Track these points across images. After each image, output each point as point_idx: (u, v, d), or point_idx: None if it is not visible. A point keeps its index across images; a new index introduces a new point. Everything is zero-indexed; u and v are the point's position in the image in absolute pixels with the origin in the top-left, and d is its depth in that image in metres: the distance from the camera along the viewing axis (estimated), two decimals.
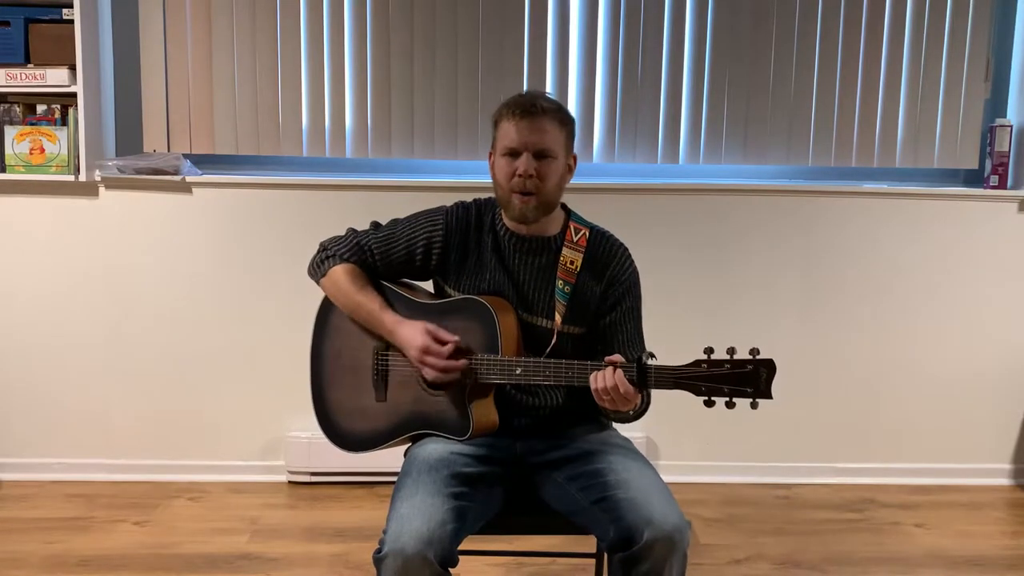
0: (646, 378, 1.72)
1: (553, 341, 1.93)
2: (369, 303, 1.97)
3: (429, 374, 1.88)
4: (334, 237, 2.06)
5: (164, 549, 2.76)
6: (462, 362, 1.87)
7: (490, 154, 1.98)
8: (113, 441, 3.28)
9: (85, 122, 3.05)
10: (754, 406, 1.69)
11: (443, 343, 1.86)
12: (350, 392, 2.03)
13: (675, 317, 3.18)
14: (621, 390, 1.71)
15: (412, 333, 1.88)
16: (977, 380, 3.37)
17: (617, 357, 1.76)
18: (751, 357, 1.68)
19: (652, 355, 1.74)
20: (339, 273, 2.00)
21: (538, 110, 1.88)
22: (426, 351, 1.86)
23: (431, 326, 1.88)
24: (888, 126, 3.30)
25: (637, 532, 1.67)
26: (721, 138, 3.28)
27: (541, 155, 1.88)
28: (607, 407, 1.77)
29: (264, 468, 3.30)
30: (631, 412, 1.85)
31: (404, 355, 1.94)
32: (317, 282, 2.05)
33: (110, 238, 3.19)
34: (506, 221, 1.98)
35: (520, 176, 1.87)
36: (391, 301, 2.00)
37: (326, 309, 2.07)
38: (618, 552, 1.71)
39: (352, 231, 2.06)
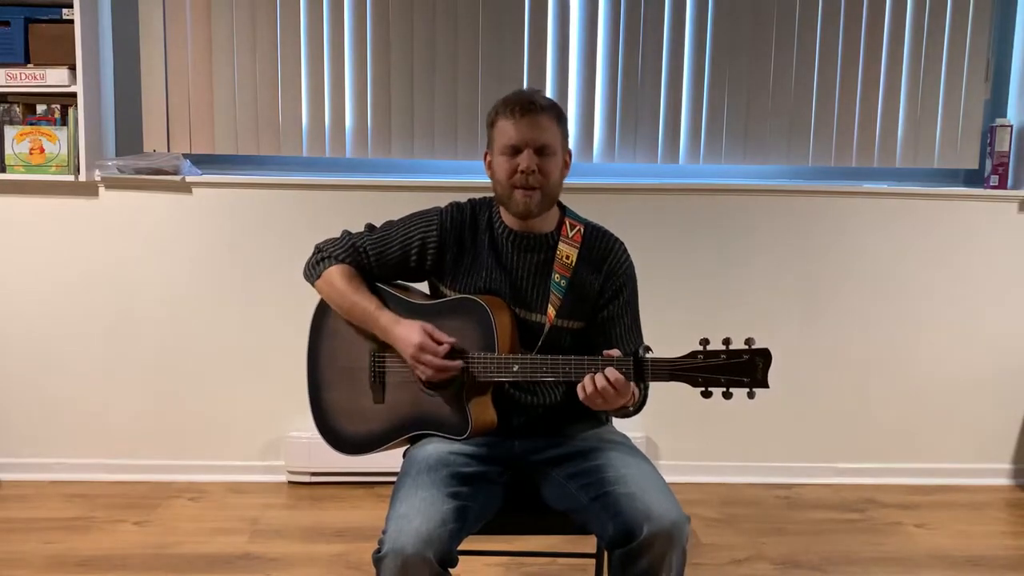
0: (643, 371, 1.73)
1: (544, 334, 1.93)
2: (365, 303, 1.97)
3: (424, 372, 1.88)
4: (329, 239, 2.06)
5: (164, 549, 2.76)
6: (458, 362, 1.87)
7: (486, 154, 1.98)
8: (113, 441, 3.28)
9: (85, 122, 3.06)
10: (751, 396, 1.69)
11: (439, 343, 1.87)
12: (347, 395, 2.03)
13: (675, 317, 3.18)
14: (612, 389, 1.72)
15: (409, 332, 1.89)
16: (977, 380, 3.36)
17: (614, 351, 1.76)
18: (747, 347, 1.69)
19: (648, 348, 1.75)
20: (335, 274, 2.00)
21: (536, 107, 1.90)
22: (422, 349, 1.87)
23: (428, 326, 1.89)
24: (888, 126, 3.30)
25: (636, 527, 1.67)
26: (721, 138, 3.28)
27: (542, 151, 1.89)
28: (601, 408, 1.77)
29: (264, 468, 3.30)
30: (631, 408, 1.85)
31: (400, 355, 1.94)
32: (312, 284, 2.05)
33: (110, 238, 3.19)
34: (504, 218, 1.98)
35: (523, 172, 1.88)
36: (387, 302, 2.00)
37: (321, 312, 2.07)
38: (618, 548, 1.71)
39: (347, 233, 2.06)
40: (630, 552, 1.69)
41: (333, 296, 2.02)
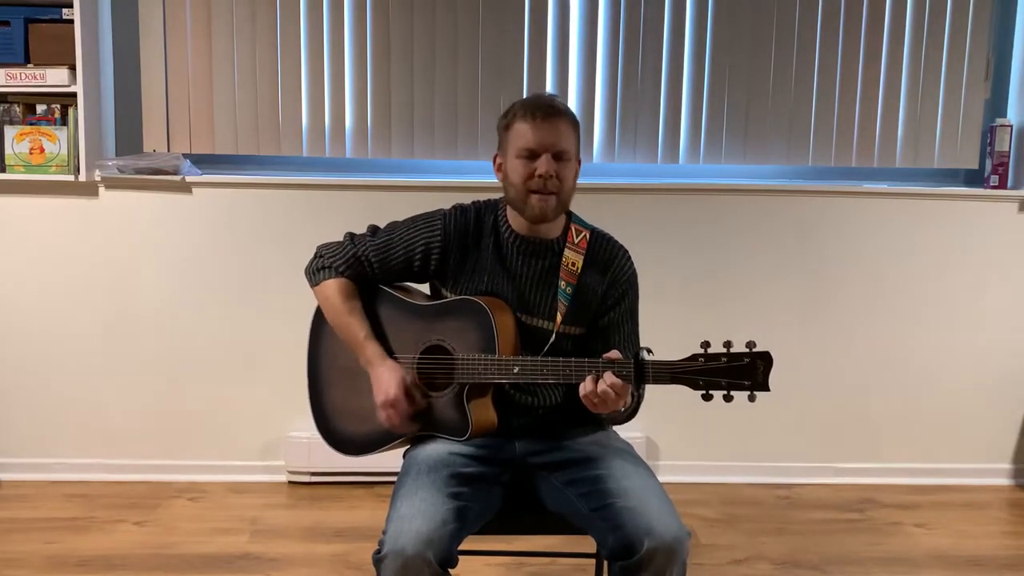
0: (644, 374, 1.72)
1: (551, 341, 1.93)
2: (355, 327, 1.97)
3: (383, 420, 1.90)
4: (331, 244, 2.04)
5: (164, 549, 2.76)
6: (415, 427, 1.91)
7: (496, 157, 1.97)
8: (113, 441, 3.28)
9: (85, 122, 3.05)
10: (752, 399, 1.69)
11: (412, 400, 1.89)
12: (348, 395, 2.03)
13: (675, 317, 3.18)
14: (612, 393, 1.72)
15: (389, 379, 1.89)
16: (977, 380, 3.36)
17: (615, 354, 1.76)
18: (748, 350, 1.69)
19: (649, 351, 1.75)
20: (331, 289, 2.00)
21: (556, 112, 1.89)
22: (393, 405, 1.88)
23: (409, 380, 1.90)
24: (888, 126, 3.30)
25: (637, 542, 1.67)
26: (721, 138, 3.28)
27: (559, 156, 1.88)
28: (599, 410, 1.77)
29: (264, 468, 3.30)
30: (623, 409, 1.85)
31: (404, 350, 1.95)
32: (311, 287, 2.06)
33: (110, 238, 3.19)
34: (511, 222, 1.98)
35: (541, 177, 1.87)
36: (385, 307, 2.00)
37: (322, 313, 2.07)
38: (618, 561, 1.71)
39: (350, 237, 2.04)
40: (630, 566, 1.68)
41: (327, 310, 2.02)
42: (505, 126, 1.93)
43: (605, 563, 1.87)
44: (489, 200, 2.04)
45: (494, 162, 1.98)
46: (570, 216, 2.02)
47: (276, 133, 3.22)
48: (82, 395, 3.26)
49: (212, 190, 3.19)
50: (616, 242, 2.03)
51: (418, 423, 1.92)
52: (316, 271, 2.03)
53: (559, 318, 1.93)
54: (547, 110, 1.88)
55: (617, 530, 1.71)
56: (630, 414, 1.89)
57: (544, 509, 1.92)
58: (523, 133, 1.89)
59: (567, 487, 1.86)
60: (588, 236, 1.99)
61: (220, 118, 3.20)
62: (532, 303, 1.96)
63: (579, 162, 1.97)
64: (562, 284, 1.95)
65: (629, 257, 2.02)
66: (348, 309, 1.98)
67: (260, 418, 3.27)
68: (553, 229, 1.98)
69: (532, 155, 1.88)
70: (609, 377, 1.72)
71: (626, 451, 1.94)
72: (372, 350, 1.94)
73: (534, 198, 1.89)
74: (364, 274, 2.02)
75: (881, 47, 3.26)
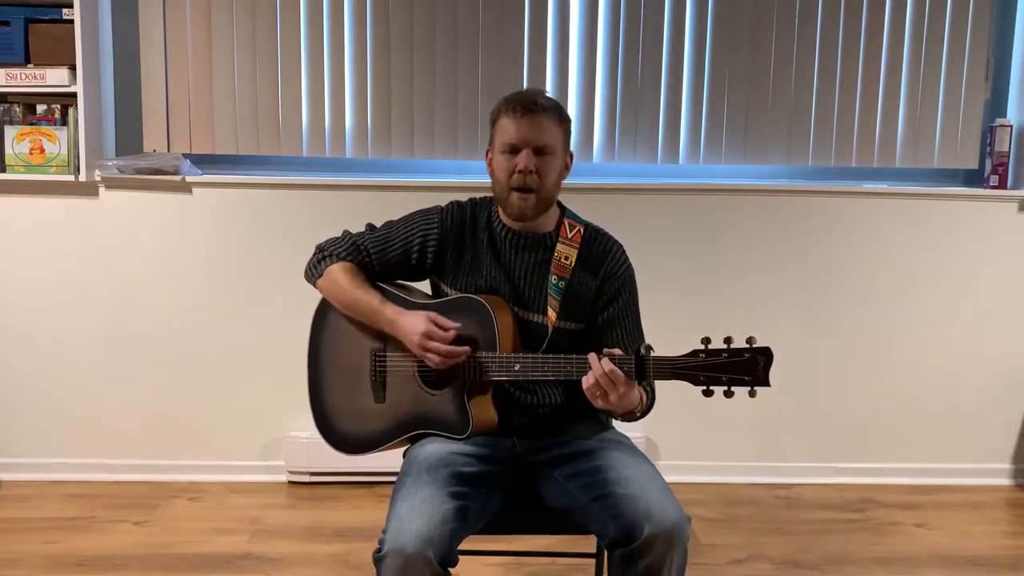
0: (645, 370, 1.73)
1: (548, 336, 1.93)
2: (368, 298, 1.97)
3: (432, 360, 1.88)
4: (330, 239, 2.07)
5: (164, 549, 2.76)
6: (464, 348, 1.87)
7: (487, 152, 1.99)
8: (113, 441, 3.28)
9: (85, 122, 3.05)
10: (752, 395, 1.69)
11: (445, 329, 1.87)
12: (348, 394, 2.03)
13: (675, 317, 3.16)
14: (612, 379, 1.71)
15: (413, 321, 1.89)
16: (977, 380, 3.37)
17: (615, 350, 1.77)
18: (748, 346, 1.69)
19: (650, 347, 1.75)
20: (337, 271, 2.01)
21: (538, 107, 1.90)
22: (428, 336, 1.86)
23: (432, 313, 1.90)
24: (888, 126, 3.30)
25: (637, 528, 1.67)
26: (721, 138, 3.28)
27: (540, 151, 1.89)
28: (605, 406, 1.77)
29: (264, 468, 3.30)
30: (637, 412, 1.85)
31: (404, 348, 1.93)
32: (314, 284, 2.05)
33: (110, 238, 3.19)
34: (503, 218, 1.99)
35: (520, 172, 1.88)
36: (388, 299, 2.01)
37: (323, 311, 2.07)
38: (618, 548, 1.71)
39: (348, 232, 2.07)
40: (631, 552, 1.69)
41: (335, 293, 2.02)
42: (492, 121, 1.96)
43: (605, 563, 1.87)
44: (485, 196, 2.06)
45: (486, 157, 1.99)
46: (564, 211, 2.03)
47: (276, 133, 3.22)
48: (82, 395, 3.26)
49: (212, 190, 3.19)
50: (611, 237, 2.03)
51: (465, 345, 1.88)
52: (317, 263, 2.04)
53: (551, 313, 1.94)
54: (529, 105, 1.89)
55: (617, 518, 1.71)
56: (643, 412, 1.89)
57: (545, 508, 1.92)
58: (506, 128, 1.91)
59: (567, 480, 1.86)
60: (582, 231, 1.99)
61: (220, 118, 3.20)
62: (527, 297, 1.97)
63: (571, 157, 1.98)
64: (553, 278, 1.95)
65: (623, 252, 2.03)
66: (357, 284, 1.99)
67: (260, 418, 3.27)
68: (546, 223, 1.99)
69: (514, 150, 1.90)
70: (606, 363, 1.72)
71: (625, 443, 1.95)
72: (391, 311, 1.94)
73: (514, 196, 1.91)
74: (363, 263, 2.03)
75: (881, 47, 3.26)
